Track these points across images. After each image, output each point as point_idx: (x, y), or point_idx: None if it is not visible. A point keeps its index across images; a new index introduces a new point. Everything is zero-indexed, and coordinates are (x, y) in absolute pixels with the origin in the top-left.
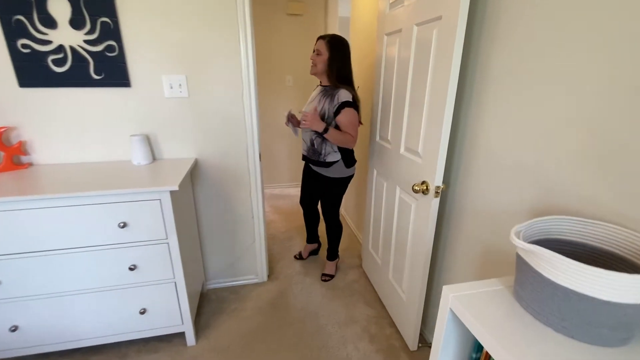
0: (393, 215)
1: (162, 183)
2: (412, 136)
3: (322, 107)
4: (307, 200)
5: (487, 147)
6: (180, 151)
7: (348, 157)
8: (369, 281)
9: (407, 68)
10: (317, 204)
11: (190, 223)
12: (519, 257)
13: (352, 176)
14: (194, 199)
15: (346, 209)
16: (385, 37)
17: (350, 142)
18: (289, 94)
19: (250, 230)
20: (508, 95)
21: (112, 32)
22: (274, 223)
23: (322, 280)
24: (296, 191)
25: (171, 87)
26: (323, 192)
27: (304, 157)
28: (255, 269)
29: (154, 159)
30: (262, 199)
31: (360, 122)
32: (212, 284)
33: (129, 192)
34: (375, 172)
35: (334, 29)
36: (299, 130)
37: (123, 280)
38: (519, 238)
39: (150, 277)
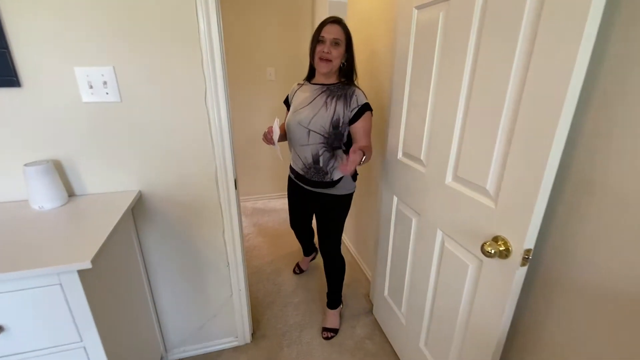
0: (430, 268)
1: (65, 257)
2: (473, 163)
3: (334, 112)
4: (300, 223)
5: (614, 191)
6: (114, 182)
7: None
8: (385, 336)
9: (462, 58)
10: (312, 221)
11: (132, 285)
12: None
13: (354, 191)
14: (139, 249)
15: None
16: (416, 11)
17: (371, 154)
18: (271, 90)
19: (226, 281)
20: None
21: None
22: (258, 250)
23: (324, 337)
24: (282, 204)
25: (91, 87)
26: (324, 216)
27: (298, 177)
28: (235, 329)
29: (71, 196)
30: (241, 238)
31: None
32: (176, 354)
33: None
34: (395, 200)
35: (323, 14)
36: (277, 142)
37: None
38: None
39: None
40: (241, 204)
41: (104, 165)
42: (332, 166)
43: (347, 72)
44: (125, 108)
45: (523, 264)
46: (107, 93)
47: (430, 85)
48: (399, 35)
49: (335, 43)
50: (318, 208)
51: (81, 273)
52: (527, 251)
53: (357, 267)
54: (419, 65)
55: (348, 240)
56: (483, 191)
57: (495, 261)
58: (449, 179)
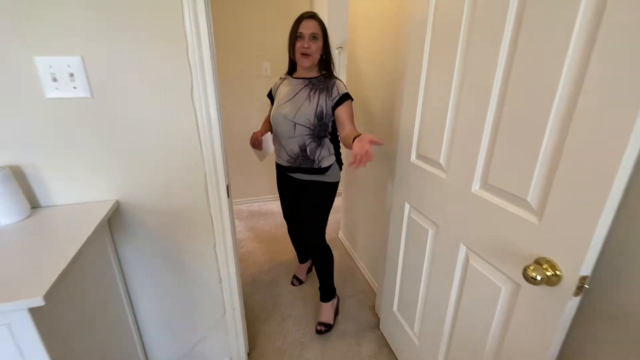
0: (450, 286)
1: (15, 290)
2: (508, 169)
3: (317, 103)
4: (293, 215)
5: None
6: (86, 191)
7: (339, 157)
8: (394, 355)
9: (497, 34)
10: None
11: (109, 308)
12: None
13: (339, 181)
14: (118, 266)
15: (344, 232)
16: None
17: None
18: (266, 86)
19: (218, 299)
20: None
21: None
22: (254, 256)
23: (317, 331)
24: (278, 206)
25: (55, 80)
26: (310, 202)
27: (286, 168)
28: (229, 349)
29: (35, 208)
30: (234, 251)
31: None
32: None
33: None
34: (407, 207)
35: (323, 6)
36: (269, 151)
37: None
38: None
39: None
40: (236, 207)
41: (75, 171)
42: (320, 154)
43: (326, 64)
44: (98, 105)
45: (577, 294)
46: (74, 87)
47: (453, 74)
48: (414, 14)
49: (314, 37)
50: (305, 195)
51: (35, 310)
52: (583, 278)
53: (362, 277)
54: (439, 49)
55: (351, 247)
56: (522, 203)
57: (539, 287)
58: (476, 186)
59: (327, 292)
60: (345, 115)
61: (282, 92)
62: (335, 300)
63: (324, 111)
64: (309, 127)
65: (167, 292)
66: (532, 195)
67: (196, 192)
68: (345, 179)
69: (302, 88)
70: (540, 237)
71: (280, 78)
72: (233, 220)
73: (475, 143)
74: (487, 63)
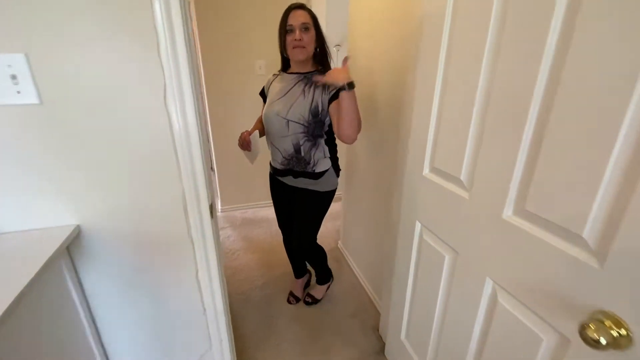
0: (472, 325)
1: None
2: (556, 193)
3: (313, 99)
4: (287, 223)
5: None
6: (40, 215)
7: (336, 162)
8: None
9: (545, 17)
10: None
11: (69, 346)
12: None
13: (336, 189)
14: (82, 302)
15: (344, 241)
16: None
17: (359, 121)
18: (260, 85)
19: (202, 332)
20: None
21: None
22: (247, 270)
23: (305, 301)
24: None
25: None
26: (302, 212)
27: (279, 171)
28: None
29: None
30: (221, 278)
31: None
32: None
33: None
34: (419, 226)
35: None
36: (259, 152)
37: None
38: None
39: None
40: (229, 213)
41: (25, 193)
42: (315, 156)
43: (321, 58)
44: (49, 113)
45: None
46: (18, 92)
47: (479, 74)
48: (429, 2)
49: (305, 28)
50: (298, 204)
51: None
52: None
53: (364, 293)
54: (461, 43)
55: (352, 259)
56: (576, 240)
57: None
58: (508, 212)
59: (324, 275)
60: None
61: (275, 89)
62: (329, 282)
63: (320, 106)
64: (302, 124)
65: (143, 325)
66: (591, 232)
67: (172, 213)
68: (344, 184)
69: (297, 83)
70: (601, 284)
71: (274, 75)
72: (218, 243)
73: (507, 159)
74: (526, 60)
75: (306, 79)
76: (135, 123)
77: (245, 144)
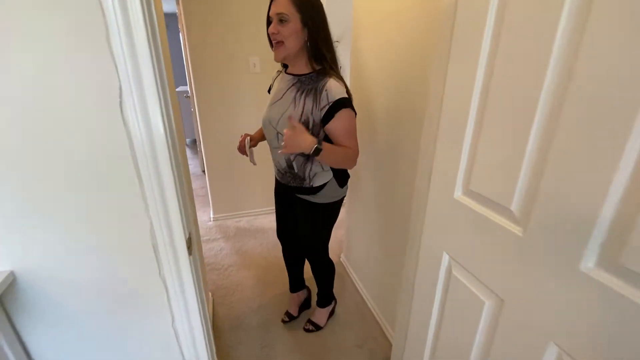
0: None
1: None
2: None
3: (302, 111)
4: (287, 233)
5: None
6: None
7: (341, 172)
8: None
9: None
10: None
11: None
12: None
13: (345, 196)
14: None
15: (347, 255)
16: None
17: (351, 160)
18: (255, 84)
19: None
20: None
21: None
22: (241, 290)
23: (305, 329)
24: (271, 221)
25: None
26: (304, 221)
27: (280, 184)
28: None
29: None
30: (203, 324)
31: None
32: None
33: None
34: (446, 259)
35: None
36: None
37: None
38: None
39: None
40: (222, 222)
41: None
42: (310, 171)
43: (318, 56)
44: None
45: None
46: None
47: (545, 71)
48: None
49: (280, 20)
50: (300, 213)
51: None
52: None
53: (371, 317)
54: (515, 34)
55: (356, 275)
56: None
57: None
58: (589, 262)
59: (326, 298)
60: (339, 130)
61: (274, 90)
62: (331, 306)
63: (310, 121)
64: None
65: None
66: None
67: (139, 252)
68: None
69: (290, 88)
70: None
71: (278, 71)
72: (199, 284)
73: (590, 185)
74: (619, 52)
75: (300, 82)
76: (78, 140)
77: (241, 148)
